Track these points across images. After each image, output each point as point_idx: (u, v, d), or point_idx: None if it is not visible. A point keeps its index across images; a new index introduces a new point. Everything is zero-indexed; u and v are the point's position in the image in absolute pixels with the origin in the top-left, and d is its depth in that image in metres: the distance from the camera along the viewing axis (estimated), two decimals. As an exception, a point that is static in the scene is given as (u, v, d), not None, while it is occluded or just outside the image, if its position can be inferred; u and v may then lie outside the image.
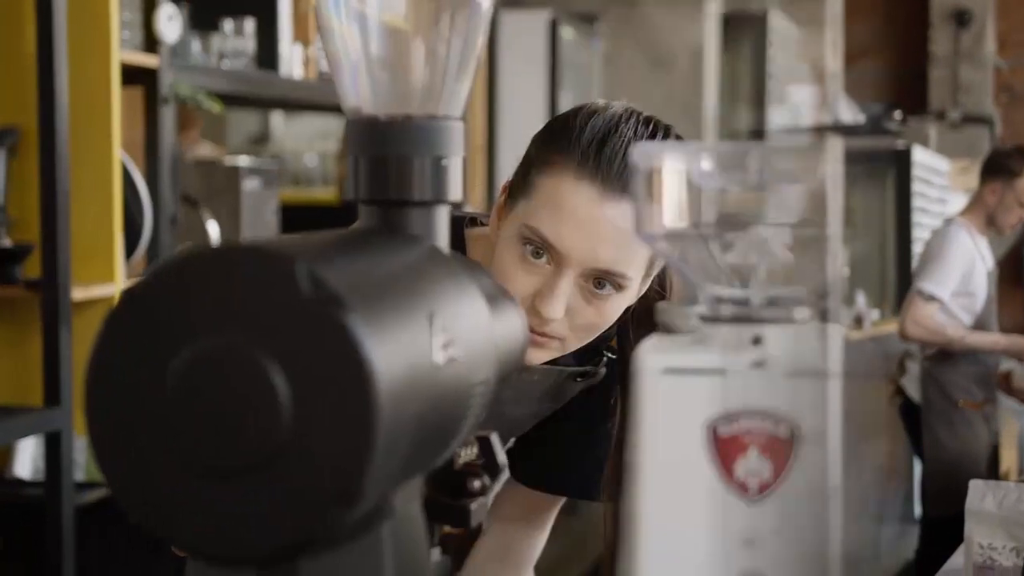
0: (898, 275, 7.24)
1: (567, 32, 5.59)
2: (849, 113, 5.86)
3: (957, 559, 2.14)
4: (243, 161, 3.37)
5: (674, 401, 0.72)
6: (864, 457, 5.24)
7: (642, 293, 1.32)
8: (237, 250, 0.68)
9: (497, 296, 0.90)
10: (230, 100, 3.40)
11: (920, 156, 7.19)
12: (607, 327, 1.29)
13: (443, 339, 0.75)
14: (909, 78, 9.58)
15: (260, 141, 6.09)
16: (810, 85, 6.75)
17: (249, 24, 3.22)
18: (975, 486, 1.97)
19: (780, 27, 7.20)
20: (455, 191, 0.87)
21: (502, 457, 0.86)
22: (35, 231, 2.55)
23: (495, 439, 0.87)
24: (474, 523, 0.84)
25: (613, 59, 5.95)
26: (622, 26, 5.93)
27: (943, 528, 4.28)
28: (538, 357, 1.28)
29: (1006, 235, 4.57)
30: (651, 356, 0.74)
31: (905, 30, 9.77)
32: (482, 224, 1.42)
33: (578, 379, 1.42)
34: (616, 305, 1.26)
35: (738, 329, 0.74)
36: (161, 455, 0.66)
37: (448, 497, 0.84)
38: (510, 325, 0.91)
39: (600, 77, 5.95)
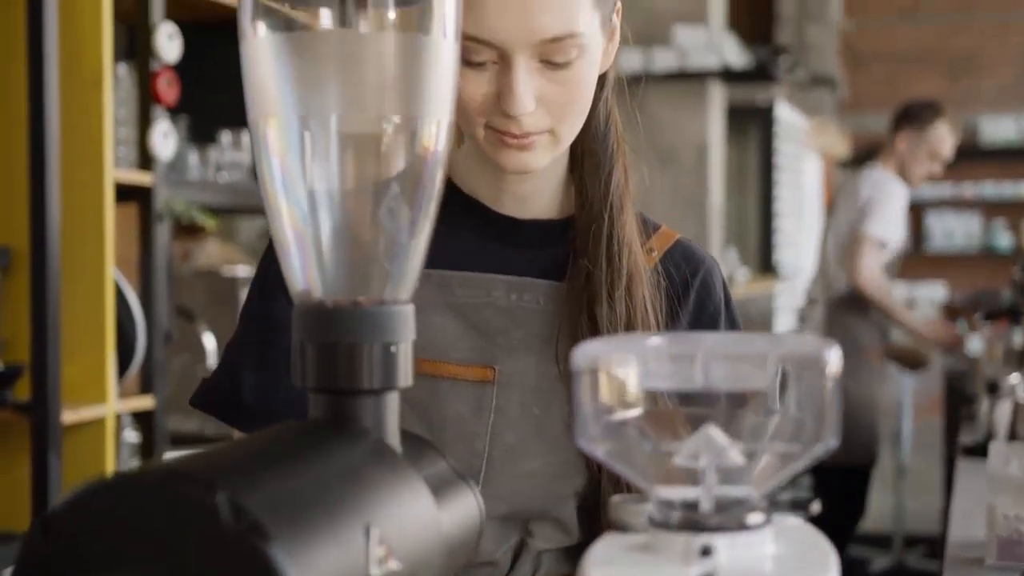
0: (761, 233, 7.27)
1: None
2: (736, 56, 5.85)
3: (972, 531, 1.93)
4: (242, 271, 3.37)
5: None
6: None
7: (612, 44, 1.23)
8: (156, 474, 0.65)
9: (450, 481, 0.88)
10: (228, 211, 3.41)
11: (782, 113, 7.22)
12: (588, 97, 1.18)
13: (381, 551, 0.72)
14: (755, 36, 9.63)
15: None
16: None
17: (246, 136, 3.23)
18: (996, 449, 1.79)
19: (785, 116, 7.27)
20: (405, 376, 0.85)
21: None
22: (26, 352, 2.54)
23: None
24: None
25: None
26: (626, 123, 5.92)
27: (832, 479, 4.23)
28: (536, 160, 1.18)
29: (916, 186, 4.51)
30: (596, 570, 0.71)
31: None
32: None
33: None
34: (586, 70, 1.15)
35: (688, 537, 0.72)
36: None
37: None
38: (462, 512, 0.88)
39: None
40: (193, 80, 3.02)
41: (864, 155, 10.32)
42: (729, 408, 0.75)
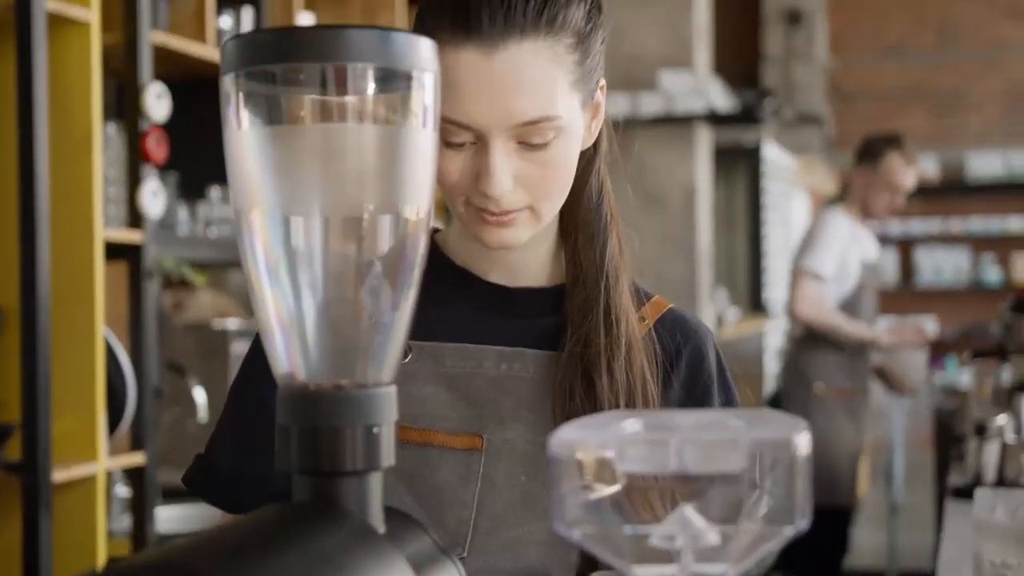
0: (750, 272, 7.30)
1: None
2: (722, 99, 5.90)
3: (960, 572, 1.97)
4: (232, 324, 3.38)
5: None
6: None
7: (597, 120, 1.23)
8: (144, 566, 0.67)
9: (434, 558, 0.89)
10: (219, 265, 3.43)
11: (769, 152, 7.27)
12: (568, 175, 1.18)
13: (364, 636, 0.74)
14: (742, 77, 9.70)
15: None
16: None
17: (235, 191, 3.25)
18: (982, 495, 1.81)
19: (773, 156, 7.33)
20: (388, 457, 0.87)
21: None
22: (16, 411, 2.55)
23: None
24: None
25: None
26: (614, 167, 5.95)
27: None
28: (517, 236, 1.19)
29: (882, 219, 4.55)
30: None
31: (737, 29, 9.94)
32: None
33: None
34: (563, 150, 1.16)
35: (665, 619, 0.73)
36: None
37: None
38: (447, 589, 0.89)
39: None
40: (182, 136, 3.05)
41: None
42: (704, 489, 0.77)
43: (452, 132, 1.14)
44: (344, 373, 0.86)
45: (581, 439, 0.74)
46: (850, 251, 4.47)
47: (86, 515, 2.64)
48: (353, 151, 0.85)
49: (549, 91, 1.13)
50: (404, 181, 0.87)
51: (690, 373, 1.29)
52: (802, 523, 0.73)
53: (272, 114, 0.85)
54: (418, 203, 0.87)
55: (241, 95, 0.84)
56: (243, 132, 0.85)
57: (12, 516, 2.56)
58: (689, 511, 0.76)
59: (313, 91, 0.87)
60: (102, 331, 2.67)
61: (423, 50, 0.85)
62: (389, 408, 0.86)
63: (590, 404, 1.19)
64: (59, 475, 2.56)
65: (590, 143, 1.25)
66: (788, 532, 0.73)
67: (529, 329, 1.25)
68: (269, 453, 1.06)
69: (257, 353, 1.30)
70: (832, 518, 4.44)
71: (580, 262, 1.26)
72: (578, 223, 1.26)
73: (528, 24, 1.12)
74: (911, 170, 4.52)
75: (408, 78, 0.85)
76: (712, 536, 0.75)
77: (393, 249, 0.87)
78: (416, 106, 0.86)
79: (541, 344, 1.25)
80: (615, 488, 0.77)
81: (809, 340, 4.43)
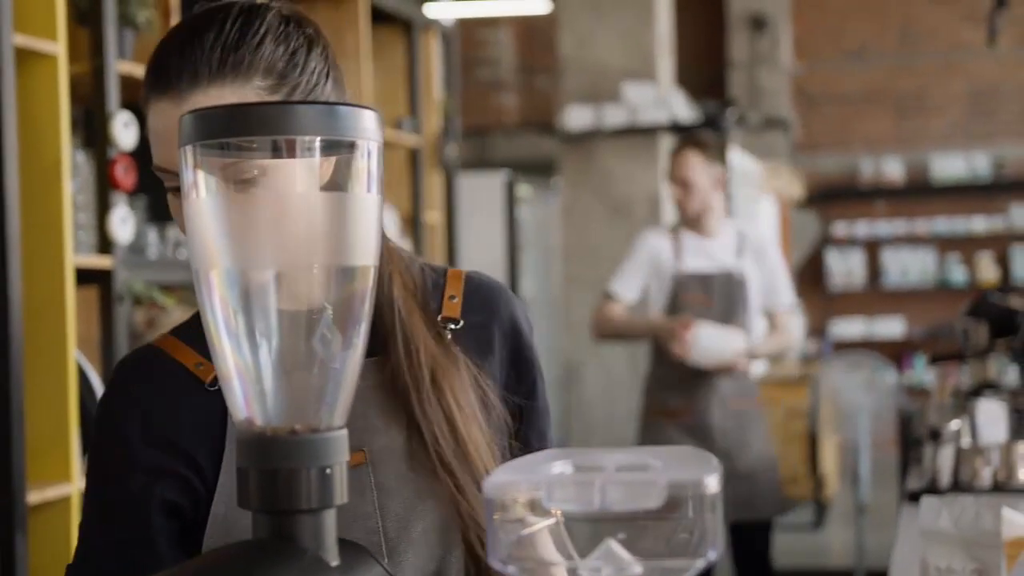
0: None
1: (524, 189, 5.72)
2: (684, 110, 5.93)
3: None
4: (202, 342, 3.44)
5: None
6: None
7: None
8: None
9: (387, 587, 0.97)
10: (189, 285, 3.49)
11: (734, 159, 7.35)
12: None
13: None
14: (707, 83, 9.81)
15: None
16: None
17: (204, 213, 3.31)
18: (928, 503, 1.85)
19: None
20: (341, 495, 0.93)
21: None
22: (-10, 436, 2.60)
23: None
24: None
25: (572, 209, 6.09)
26: (580, 176, 6.08)
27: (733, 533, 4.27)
28: None
29: (689, 216, 4.21)
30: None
31: (702, 35, 10.07)
32: None
33: None
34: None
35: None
36: None
37: None
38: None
39: (559, 227, 6.10)
40: (151, 161, 3.11)
41: (818, 195, 10.53)
42: (626, 524, 0.84)
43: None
44: (298, 418, 0.94)
45: (513, 482, 0.82)
46: (659, 265, 4.24)
47: (61, 536, 2.70)
48: (303, 214, 0.92)
49: None
50: (352, 240, 0.94)
51: (506, 337, 1.37)
52: (712, 554, 0.81)
53: (226, 182, 0.92)
54: (365, 257, 0.94)
55: (198, 165, 0.91)
56: (200, 199, 0.92)
57: (-12, 538, 2.61)
58: (614, 544, 0.83)
59: (264, 161, 0.94)
60: (74, 354, 2.73)
61: (366, 121, 0.93)
62: (341, 449, 0.93)
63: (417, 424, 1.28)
64: (33, 496, 2.62)
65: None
66: (700, 563, 0.81)
67: None
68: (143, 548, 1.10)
69: (109, 424, 1.30)
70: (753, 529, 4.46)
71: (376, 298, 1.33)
72: None
73: (213, 72, 1.22)
74: (673, 161, 4.21)
75: (352, 146, 0.92)
76: (635, 568, 0.83)
77: (342, 300, 0.94)
78: (360, 172, 0.93)
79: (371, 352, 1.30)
80: (546, 523, 0.84)
81: (651, 362, 4.32)
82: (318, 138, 0.91)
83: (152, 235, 3.21)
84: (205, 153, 0.91)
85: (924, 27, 10.52)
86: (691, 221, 4.21)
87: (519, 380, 1.39)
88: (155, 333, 3.69)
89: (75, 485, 2.74)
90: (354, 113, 0.92)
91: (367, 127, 0.93)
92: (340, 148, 0.93)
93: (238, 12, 1.24)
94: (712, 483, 0.80)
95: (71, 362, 2.71)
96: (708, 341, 4.02)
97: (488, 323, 1.37)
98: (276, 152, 0.93)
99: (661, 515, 0.82)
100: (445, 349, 1.31)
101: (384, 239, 1.31)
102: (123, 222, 2.90)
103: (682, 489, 0.80)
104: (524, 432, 1.38)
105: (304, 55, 1.26)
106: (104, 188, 2.90)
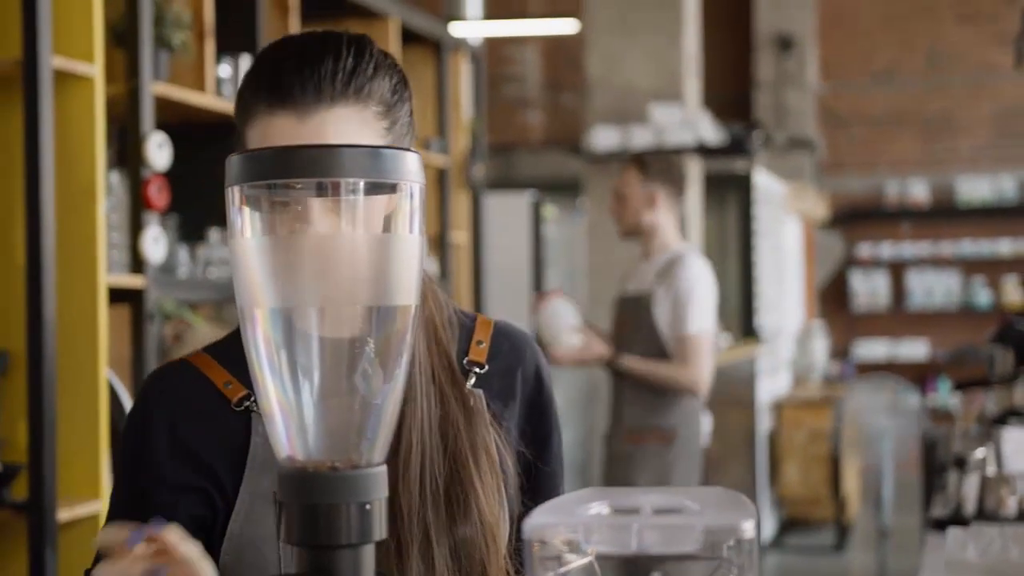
0: (741, 298, 7.37)
1: (550, 211, 5.74)
2: (711, 132, 5.93)
3: None
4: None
5: None
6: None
7: None
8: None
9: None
10: (218, 303, 3.52)
11: (760, 180, 7.36)
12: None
13: None
14: (733, 103, 9.79)
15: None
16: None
17: (234, 232, 3.34)
18: (954, 534, 1.87)
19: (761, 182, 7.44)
20: (380, 530, 0.95)
21: None
22: (23, 452, 2.63)
23: None
24: None
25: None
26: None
27: None
28: None
29: (624, 230, 4.23)
30: None
31: (729, 55, 10.05)
32: None
33: None
34: (377, 207, 1.23)
35: None
36: None
37: None
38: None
39: (585, 248, 6.11)
40: (183, 180, 3.14)
41: (843, 216, 10.51)
42: (663, 565, 0.85)
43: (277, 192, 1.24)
44: (339, 453, 0.95)
45: (552, 524, 0.83)
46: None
47: (90, 553, 2.72)
48: (346, 255, 0.94)
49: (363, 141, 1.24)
50: (394, 280, 0.96)
51: (528, 387, 1.39)
52: (749, 597, 0.82)
53: (272, 223, 0.94)
54: (406, 296, 0.96)
55: (244, 206, 0.93)
56: (246, 239, 0.93)
57: (19, 554, 2.64)
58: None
59: (309, 202, 0.95)
60: (105, 373, 2.76)
61: (409, 163, 0.94)
62: (380, 486, 0.95)
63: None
64: (64, 514, 2.64)
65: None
66: (737, 606, 0.82)
67: None
68: None
69: (137, 432, 1.32)
70: None
71: None
72: None
73: (337, 93, 1.23)
74: (618, 179, 4.26)
75: (394, 188, 0.94)
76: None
77: (383, 337, 0.96)
78: (403, 214, 0.95)
79: None
80: (584, 561, 0.86)
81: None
82: (362, 180, 0.93)
83: (183, 254, 3.24)
84: (251, 194, 0.93)
85: (952, 49, 10.50)
86: (639, 239, 4.22)
87: (537, 429, 1.39)
88: (181, 348, 3.72)
89: (105, 502, 2.76)
90: (397, 155, 0.94)
91: (410, 169, 0.95)
92: (383, 189, 0.94)
93: (348, 40, 1.26)
94: (749, 528, 0.81)
95: (103, 380, 2.74)
96: (548, 313, 4.02)
97: (512, 371, 1.39)
98: (321, 193, 0.95)
99: (698, 558, 0.83)
100: (461, 392, 1.33)
101: (425, 279, 1.33)
102: (155, 242, 2.93)
103: (719, 534, 0.82)
104: (531, 491, 1.37)
105: (403, 90, 1.30)
106: (137, 208, 2.93)
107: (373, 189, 0.94)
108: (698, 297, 4.02)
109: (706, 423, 4.22)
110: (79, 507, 2.70)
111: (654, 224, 4.16)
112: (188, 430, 1.30)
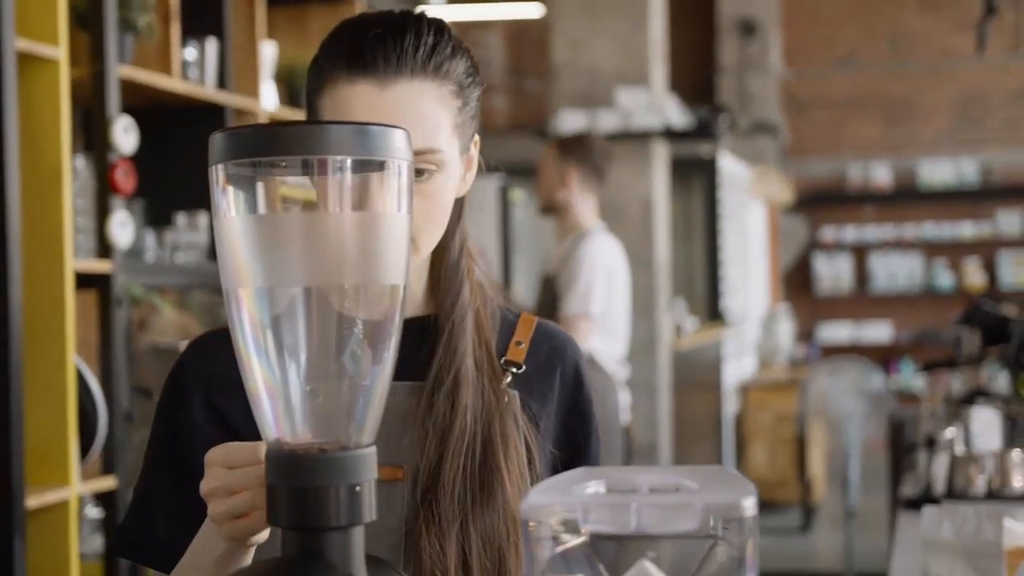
0: (707, 282, 7.43)
1: (517, 195, 5.72)
2: (677, 115, 5.96)
3: None
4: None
5: None
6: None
7: (470, 173, 1.32)
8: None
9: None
10: (185, 288, 3.48)
11: (725, 164, 7.40)
12: (445, 213, 1.27)
13: None
14: (697, 88, 9.82)
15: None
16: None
17: (202, 218, 3.31)
18: (930, 512, 1.86)
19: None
20: (370, 512, 0.94)
21: None
22: (-11, 440, 2.59)
23: None
24: None
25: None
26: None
27: None
28: None
29: (542, 206, 4.28)
30: None
31: (692, 40, 10.08)
32: None
33: None
34: (443, 185, 1.26)
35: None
36: None
37: None
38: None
39: (552, 233, 6.09)
40: (149, 164, 3.11)
41: (807, 199, 10.56)
42: (661, 545, 0.84)
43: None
44: (328, 435, 0.94)
45: (549, 504, 0.82)
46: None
47: (59, 539, 2.69)
48: (333, 234, 0.92)
49: (434, 126, 1.25)
50: (381, 258, 0.94)
51: (567, 390, 1.38)
52: (751, 576, 0.81)
53: (257, 201, 0.92)
54: (394, 275, 0.95)
55: (228, 184, 0.91)
56: (230, 218, 0.92)
57: (-14, 543, 2.60)
58: (648, 564, 0.83)
59: (295, 180, 0.94)
60: (73, 359, 2.72)
61: (396, 140, 0.93)
62: (370, 467, 0.94)
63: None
64: (32, 501, 2.61)
65: (463, 192, 1.33)
66: (736, 585, 0.81)
67: (411, 360, 1.27)
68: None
69: (173, 398, 1.32)
70: None
71: (439, 305, 1.33)
72: (441, 273, 1.33)
73: (417, 66, 1.24)
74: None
75: (382, 166, 0.93)
76: (665, 583, 0.83)
77: (371, 317, 0.94)
78: (390, 191, 0.93)
79: (419, 376, 1.30)
80: (580, 541, 0.85)
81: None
82: (349, 158, 0.91)
83: (150, 239, 3.21)
84: (235, 172, 0.92)
85: (914, 34, 10.55)
86: (556, 217, 4.24)
87: (574, 433, 1.38)
88: (147, 333, 3.69)
89: (73, 489, 2.73)
90: (384, 132, 0.93)
91: (397, 146, 0.93)
92: (370, 167, 0.93)
93: (429, 20, 1.28)
94: (749, 506, 0.81)
95: (71, 366, 2.70)
96: None
97: (552, 372, 1.37)
98: (307, 171, 0.93)
99: (696, 536, 0.82)
100: (495, 387, 1.31)
101: (466, 255, 1.32)
102: (122, 227, 2.89)
103: (718, 512, 0.81)
104: None
105: (475, 74, 1.31)
106: (104, 192, 2.90)
107: (359, 167, 0.92)
108: (584, 278, 4.04)
109: (624, 399, 4.22)
110: (48, 494, 2.66)
111: (567, 202, 4.20)
112: (220, 399, 1.30)
